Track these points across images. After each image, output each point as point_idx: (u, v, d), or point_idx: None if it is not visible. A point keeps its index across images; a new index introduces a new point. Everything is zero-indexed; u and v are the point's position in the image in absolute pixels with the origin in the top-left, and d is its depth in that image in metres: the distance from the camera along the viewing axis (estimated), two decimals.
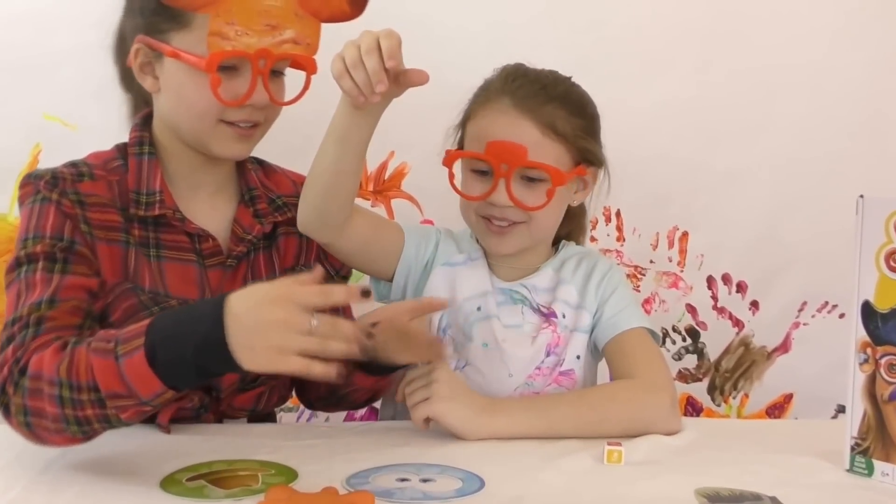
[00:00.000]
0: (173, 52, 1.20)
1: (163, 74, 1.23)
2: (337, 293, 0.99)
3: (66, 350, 1.04)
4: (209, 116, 1.22)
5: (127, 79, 1.31)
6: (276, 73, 1.26)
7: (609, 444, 1.15)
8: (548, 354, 1.37)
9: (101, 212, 1.22)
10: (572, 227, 1.48)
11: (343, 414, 1.72)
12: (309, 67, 1.27)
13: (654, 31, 1.86)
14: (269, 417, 1.44)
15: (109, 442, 1.11)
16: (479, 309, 1.38)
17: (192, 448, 1.14)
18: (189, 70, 1.19)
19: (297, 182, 1.36)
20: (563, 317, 1.38)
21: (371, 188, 1.80)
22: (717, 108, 1.89)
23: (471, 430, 1.22)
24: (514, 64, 1.39)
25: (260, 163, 1.39)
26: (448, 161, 1.34)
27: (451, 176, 1.34)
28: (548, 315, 1.38)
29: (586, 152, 1.35)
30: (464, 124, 1.38)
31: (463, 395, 1.24)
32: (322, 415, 1.70)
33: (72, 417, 1.01)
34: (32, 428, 1.05)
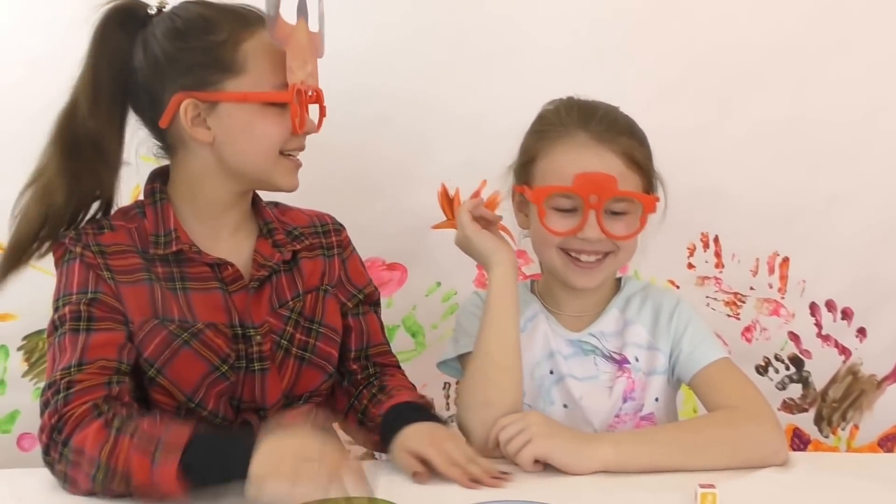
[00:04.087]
0: (243, 96, 1.27)
1: (219, 122, 1.28)
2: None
3: (110, 432, 1.15)
4: (275, 149, 1.30)
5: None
6: None
7: (701, 486, 1.09)
8: (625, 401, 1.35)
9: (122, 258, 1.29)
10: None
11: None
12: (321, 99, 1.36)
13: (746, 49, 1.81)
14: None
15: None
16: (551, 372, 1.36)
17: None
18: (257, 109, 1.27)
19: (312, 216, 1.45)
20: (637, 360, 1.36)
21: None
22: (817, 128, 1.83)
23: (579, 462, 1.20)
24: (566, 98, 1.38)
25: (276, 204, 1.45)
26: (539, 197, 1.31)
27: (542, 213, 1.31)
28: (620, 362, 1.36)
29: (653, 177, 1.35)
30: (529, 163, 1.36)
31: (562, 431, 1.24)
32: None
33: (105, 491, 1.15)
34: (67, 486, 1.18)
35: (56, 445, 1.16)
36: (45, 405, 1.20)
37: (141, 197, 1.39)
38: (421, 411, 1.32)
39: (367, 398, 1.38)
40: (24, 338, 1.77)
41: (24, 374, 1.78)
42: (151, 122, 1.32)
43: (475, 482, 1.18)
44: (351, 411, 1.41)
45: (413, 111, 1.77)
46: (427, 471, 1.21)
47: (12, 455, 1.76)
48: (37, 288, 1.73)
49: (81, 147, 1.30)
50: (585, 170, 1.28)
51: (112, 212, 1.36)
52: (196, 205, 1.34)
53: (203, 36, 1.27)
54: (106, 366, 1.23)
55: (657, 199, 1.34)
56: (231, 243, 1.36)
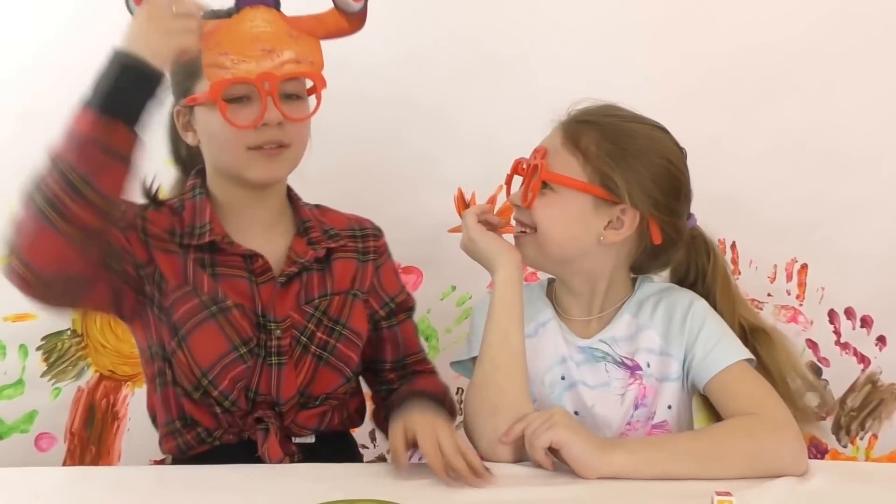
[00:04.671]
0: (192, 99, 1.32)
1: (197, 125, 1.35)
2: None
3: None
4: (235, 145, 1.30)
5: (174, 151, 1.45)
6: (291, 97, 1.32)
7: (718, 493, 1.07)
8: (636, 407, 1.34)
9: (158, 234, 1.34)
10: (653, 265, 1.42)
11: None
12: (317, 83, 1.34)
13: (765, 57, 1.81)
14: (341, 439, 1.46)
15: (223, 482, 1.17)
16: (563, 378, 1.35)
17: (313, 487, 1.14)
18: (210, 109, 1.30)
19: (351, 219, 1.46)
20: (648, 366, 1.34)
21: None
22: (837, 135, 1.82)
23: (590, 465, 1.19)
24: (605, 102, 1.37)
25: (317, 206, 1.46)
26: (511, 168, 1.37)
27: (510, 179, 1.38)
28: (632, 368, 1.35)
29: (606, 178, 1.31)
30: None
31: (583, 430, 1.23)
32: None
33: (38, 197, 1.13)
34: (17, 250, 1.15)
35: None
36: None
37: None
38: (433, 400, 1.31)
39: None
40: (44, 338, 1.79)
41: (43, 375, 1.80)
42: None
43: (454, 475, 1.17)
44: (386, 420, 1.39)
45: (430, 116, 1.77)
46: (408, 452, 1.22)
47: (30, 455, 1.78)
48: None
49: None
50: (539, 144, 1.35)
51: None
52: (223, 202, 1.37)
53: None
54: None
55: (579, 185, 1.31)
56: (265, 239, 1.37)
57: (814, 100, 1.82)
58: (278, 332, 1.33)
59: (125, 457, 1.81)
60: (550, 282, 1.45)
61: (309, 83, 1.35)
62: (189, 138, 1.36)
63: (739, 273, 1.85)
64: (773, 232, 1.84)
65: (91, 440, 1.81)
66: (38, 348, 1.79)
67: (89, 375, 1.80)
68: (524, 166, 1.35)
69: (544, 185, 1.32)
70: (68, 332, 1.79)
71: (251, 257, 1.35)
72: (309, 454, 1.35)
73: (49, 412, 1.79)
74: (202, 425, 1.33)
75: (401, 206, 1.74)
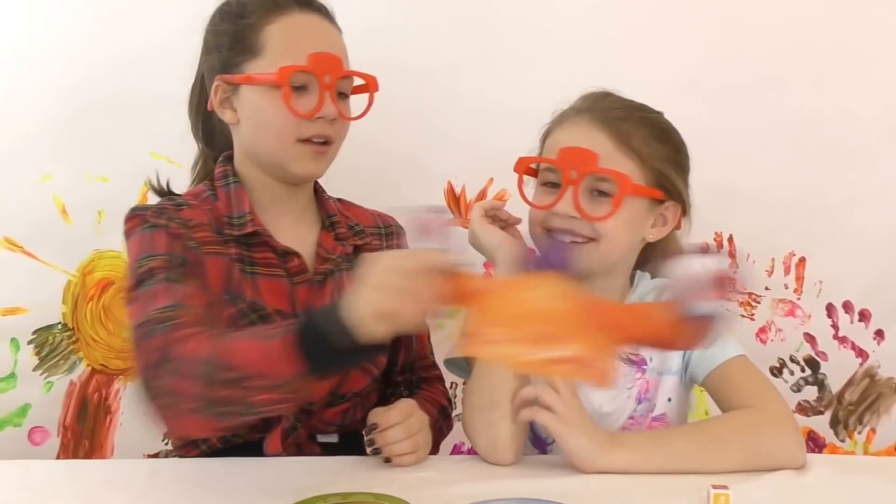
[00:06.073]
0: (247, 78, 1.27)
1: (240, 105, 1.30)
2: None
3: (219, 335, 1.08)
4: (286, 134, 1.27)
5: (201, 128, 1.41)
6: (341, 95, 1.32)
7: (714, 486, 1.07)
8: (639, 402, 1.33)
9: (202, 231, 1.28)
10: (653, 258, 1.41)
11: (450, 447, 1.70)
12: (371, 86, 1.34)
13: (763, 46, 1.80)
14: (358, 436, 1.43)
15: (220, 475, 1.18)
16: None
17: (304, 481, 1.15)
18: (264, 92, 1.27)
19: (375, 215, 1.46)
20: (651, 360, 1.34)
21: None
22: (836, 127, 1.81)
23: (587, 461, 1.19)
24: (599, 89, 1.36)
25: (340, 200, 1.45)
26: (519, 167, 1.32)
27: (521, 181, 1.31)
28: (638, 363, 1.34)
29: (663, 178, 1.30)
30: (542, 144, 1.37)
31: (584, 423, 1.21)
32: None
33: (212, 398, 1.02)
34: (170, 409, 1.06)
35: (163, 364, 1.06)
36: (144, 337, 1.11)
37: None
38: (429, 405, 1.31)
39: None
40: (35, 332, 1.77)
41: (35, 368, 1.78)
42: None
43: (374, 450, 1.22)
44: None
45: (420, 109, 1.76)
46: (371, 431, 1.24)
47: (23, 448, 1.77)
48: (47, 282, 1.75)
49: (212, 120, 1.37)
50: (571, 144, 1.28)
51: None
52: (254, 190, 1.34)
53: (237, 20, 1.30)
54: (202, 314, 1.16)
55: (646, 192, 1.29)
56: (294, 233, 1.35)
57: (811, 91, 1.80)
58: None
59: (118, 450, 1.80)
60: None
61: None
62: (227, 116, 1.31)
63: (737, 267, 1.84)
64: (770, 225, 1.83)
65: (84, 434, 1.80)
66: (30, 342, 1.77)
67: (81, 369, 1.79)
68: (572, 173, 1.26)
69: (601, 192, 1.28)
70: (59, 326, 1.78)
71: (286, 255, 1.32)
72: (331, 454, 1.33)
73: (42, 406, 1.78)
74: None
75: (391, 200, 1.71)
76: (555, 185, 1.29)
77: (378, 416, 1.25)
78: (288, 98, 1.24)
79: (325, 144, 1.30)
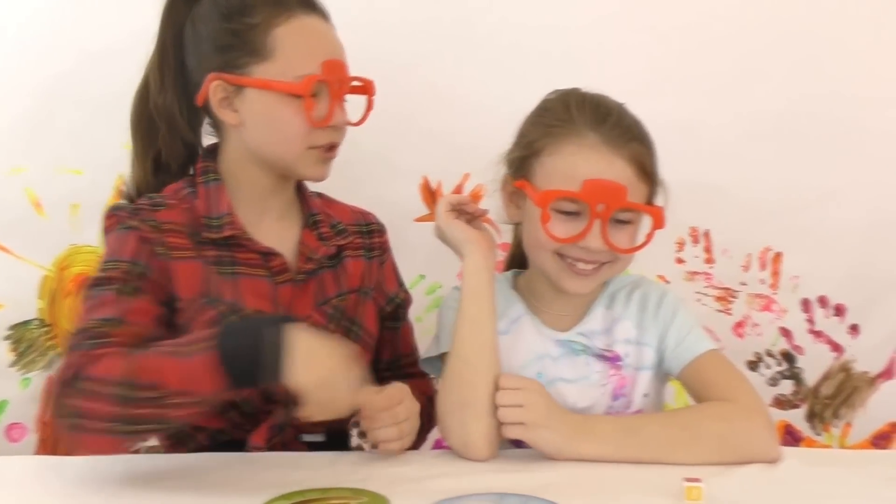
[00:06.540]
0: (263, 83, 1.25)
1: (245, 106, 1.27)
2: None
3: (131, 353, 1.10)
4: (299, 142, 1.27)
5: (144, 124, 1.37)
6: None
7: (687, 479, 1.07)
8: (615, 398, 1.33)
9: (176, 236, 1.28)
10: None
11: (432, 442, 1.69)
12: (369, 90, 1.35)
13: (739, 41, 1.80)
14: (345, 436, 1.44)
15: (200, 470, 1.18)
16: (539, 375, 1.32)
17: (284, 477, 1.14)
18: (281, 98, 1.25)
19: (356, 212, 1.45)
20: (626, 356, 1.34)
21: None
22: (811, 122, 1.81)
23: (560, 454, 1.20)
24: (572, 91, 1.33)
25: (319, 195, 1.44)
26: (544, 201, 1.25)
27: (546, 217, 1.25)
28: (612, 359, 1.34)
29: (657, 188, 1.31)
30: (532, 157, 1.30)
31: (555, 419, 1.22)
32: None
33: (126, 416, 1.06)
34: (77, 430, 1.09)
35: (70, 380, 1.09)
36: (72, 347, 1.15)
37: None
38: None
39: None
40: (11, 328, 1.76)
41: (12, 365, 1.77)
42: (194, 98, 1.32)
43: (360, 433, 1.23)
44: None
45: (396, 103, 1.72)
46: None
47: (1, 445, 1.76)
48: (21, 277, 1.73)
49: (156, 124, 1.33)
50: (595, 175, 1.23)
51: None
52: (240, 188, 1.33)
53: (239, 18, 1.26)
54: (140, 333, 1.19)
55: (662, 211, 1.29)
56: (276, 231, 1.35)
57: (786, 86, 1.81)
58: None
59: None
60: (515, 274, 1.44)
61: None
62: (227, 116, 1.28)
63: (713, 262, 1.85)
64: (746, 220, 1.83)
65: None
66: (7, 338, 1.76)
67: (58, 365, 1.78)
68: (599, 207, 1.22)
69: (620, 220, 1.26)
70: (35, 322, 1.77)
71: (268, 255, 1.31)
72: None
73: (19, 402, 1.77)
74: (213, 428, 1.29)
75: (367, 195, 1.71)
76: (571, 213, 1.26)
77: (366, 398, 1.22)
78: (310, 109, 1.25)
79: (331, 149, 1.32)
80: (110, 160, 1.55)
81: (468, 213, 1.34)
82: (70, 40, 1.72)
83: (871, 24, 1.81)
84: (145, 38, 1.66)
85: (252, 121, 1.28)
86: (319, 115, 1.26)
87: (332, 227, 1.39)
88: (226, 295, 1.27)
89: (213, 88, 1.27)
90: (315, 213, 1.38)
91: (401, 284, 1.48)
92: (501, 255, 1.43)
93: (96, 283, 1.23)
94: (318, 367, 1.07)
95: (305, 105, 1.24)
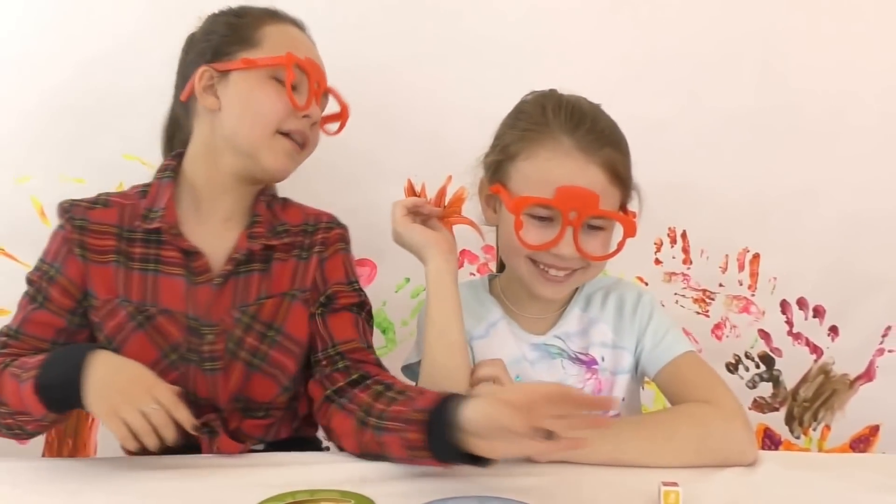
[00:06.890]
0: (248, 61, 1.31)
1: (226, 91, 1.32)
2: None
3: (4, 368, 1.24)
4: (271, 122, 1.31)
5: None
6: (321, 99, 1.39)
7: (664, 483, 1.06)
8: None
9: (98, 237, 1.33)
10: None
11: None
12: (344, 115, 1.42)
13: (713, 39, 1.79)
14: (307, 443, 1.43)
15: (190, 472, 1.20)
16: (517, 378, 1.32)
17: (273, 479, 1.14)
18: (260, 77, 1.31)
19: (309, 214, 1.41)
20: (603, 360, 1.34)
21: None
22: (787, 121, 1.81)
23: (540, 457, 1.17)
24: (549, 93, 1.32)
25: (285, 200, 1.43)
26: (517, 208, 1.24)
27: (518, 224, 1.24)
28: (588, 363, 1.33)
29: (630, 192, 1.31)
30: (507, 161, 1.29)
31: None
32: None
33: (1, 424, 1.25)
34: None
35: None
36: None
37: None
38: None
39: (371, 396, 1.25)
40: None
41: None
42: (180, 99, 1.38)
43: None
44: (333, 405, 1.29)
45: (380, 106, 1.74)
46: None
47: (9, 447, 1.71)
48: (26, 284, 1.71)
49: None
50: (569, 181, 1.22)
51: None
52: (194, 185, 1.35)
53: (232, 18, 1.36)
54: (37, 346, 1.29)
55: (635, 217, 1.29)
56: (217, 232, 1.34)
57: (761, 85, 1.80)
58: (210, 336, 1.30)
59: (100, 449, 1.78)
60: (492, 278, 1.42)
61: None
62: (208, 102, 1.33)
63: (691, 263, 1.84)
64: (724, 221, 1.83)
65: (68, 433, 1.79)
66: None
67: None
68: (572, 215, 1.22)
69: (593, 226, 1.26)
70: None
71: (191, 254, 1.31)
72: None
73: None
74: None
75: (353, 198, 1.71)
76: (544, 219, 1.25)
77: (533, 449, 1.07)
78: (291, 80, 1.30)
79: (300, 145, 1.34)
80: (111, 169, 1.57)
81: (423, 215, 1.32)
82: (69, 50, 1.72)
83: (846, 19, 1.81)
84: (147, 47, 1.67)
85: (229, 104, 1.32)
86: (298, 100, 1.31)
87: (271, 228, 1.36)
88: (134, 295, 1.30)
89: (200, 75, 1.32)
90: (257, 214, 1.36)
91: (350, 281, 1.39)
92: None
93: (27, 280, 1.34)
94: (108, 397, 1.14)
95: (287, 77, 1.30)
